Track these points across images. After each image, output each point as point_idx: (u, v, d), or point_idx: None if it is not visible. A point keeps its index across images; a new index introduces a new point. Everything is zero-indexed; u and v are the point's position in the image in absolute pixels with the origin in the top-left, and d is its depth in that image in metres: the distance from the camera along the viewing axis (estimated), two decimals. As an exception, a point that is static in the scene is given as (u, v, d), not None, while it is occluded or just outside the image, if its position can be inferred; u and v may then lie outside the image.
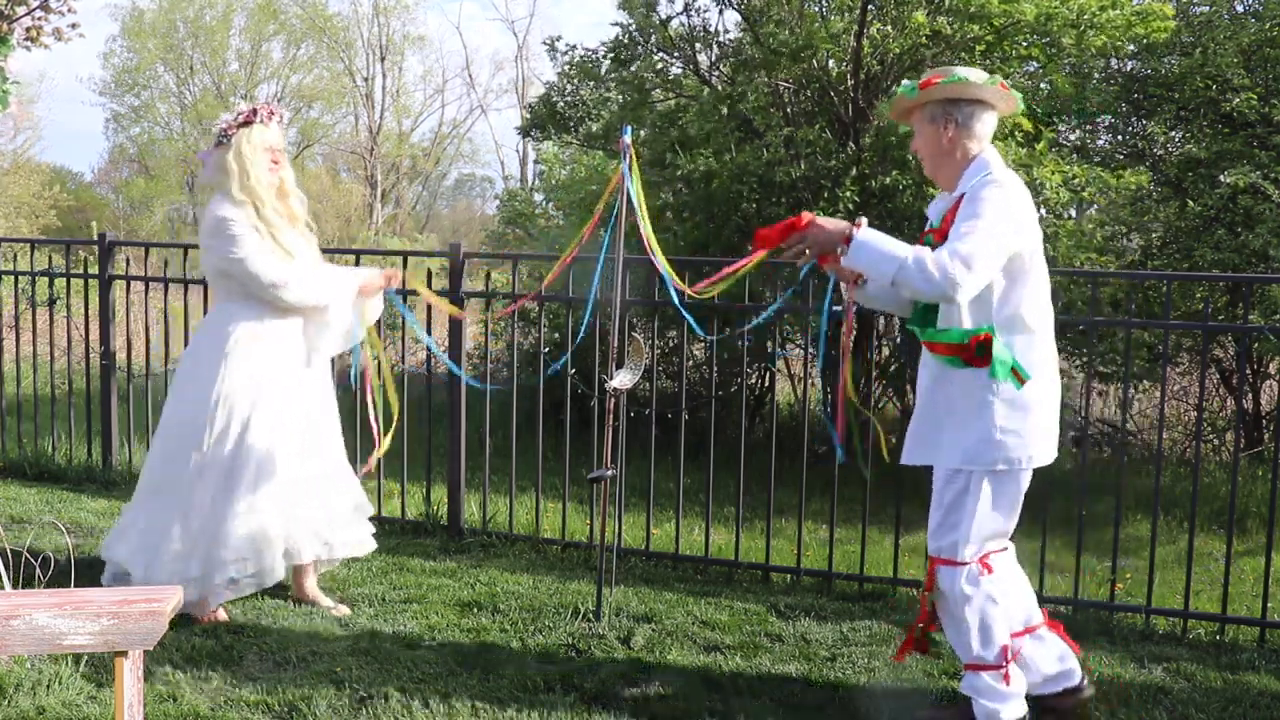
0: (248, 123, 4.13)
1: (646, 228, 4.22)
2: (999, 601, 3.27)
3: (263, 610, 4.31)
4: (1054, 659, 3.40)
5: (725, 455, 5.12)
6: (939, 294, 3.05)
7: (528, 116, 11.65)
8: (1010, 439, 3.19)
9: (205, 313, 6.22)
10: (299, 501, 4.21)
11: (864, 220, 3.21)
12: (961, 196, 3.19)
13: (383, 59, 36.09)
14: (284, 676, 3.68)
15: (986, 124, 3.28)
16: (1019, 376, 3.17)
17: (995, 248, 3.05)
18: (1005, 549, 3.36)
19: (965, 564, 3.25)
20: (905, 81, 3.37)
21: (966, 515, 3.23)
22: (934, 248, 3.12)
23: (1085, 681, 3.44)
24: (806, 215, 3.24)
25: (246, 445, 4.12)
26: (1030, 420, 3.20)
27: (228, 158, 4.11)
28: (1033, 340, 3.22)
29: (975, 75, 3.25)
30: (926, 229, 3.39)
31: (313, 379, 4.35)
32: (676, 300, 4.34)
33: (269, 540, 4.14)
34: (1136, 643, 4.28)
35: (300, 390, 4.27)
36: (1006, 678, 3.26)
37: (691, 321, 4.51)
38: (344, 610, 4.35)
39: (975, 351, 3.18)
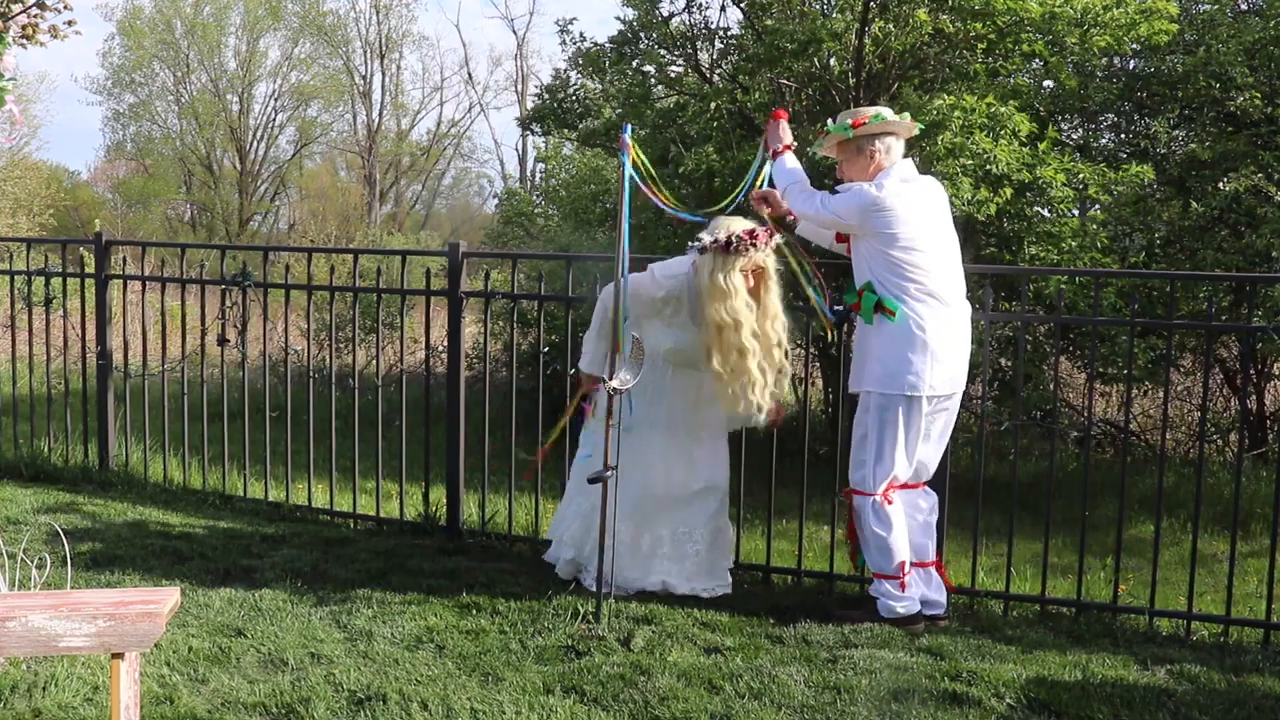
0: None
1: (663, 192, 4.48)
2: (896, 526, 4.27)
3: (260, 611, 4.29)
4: (934, 590, 4.43)
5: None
6: (805, 213, 4.41)
7: (530, 109, 11.64)
8: (901, 371, 4.17)
9: (202, 312, 6.21)
10: None
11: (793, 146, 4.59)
12: None
13: (381, 56, 36.06)
14: (282, 679, 3.65)
15: (895, 149, 4.35)
16: (886, 310, 4.14)
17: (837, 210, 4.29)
18: (901, 486, 4.33)
19: (871, 495, 4.25)
20: (834, 122, 4.44)
21: (870, 453, 4.24)
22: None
23: (948, 613, 4.47)
24: (781, 113, 4.64)
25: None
26: (917, 358, 4.16)
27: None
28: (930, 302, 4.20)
29: (889, 114, 4.35)
30: None
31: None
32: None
33: None
34: (1140, 644, 4.26)
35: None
36: (902, 585, 4.30)
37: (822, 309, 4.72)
38: None
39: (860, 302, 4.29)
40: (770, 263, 4.35)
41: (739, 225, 4.36)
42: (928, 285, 4.18)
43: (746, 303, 4.30)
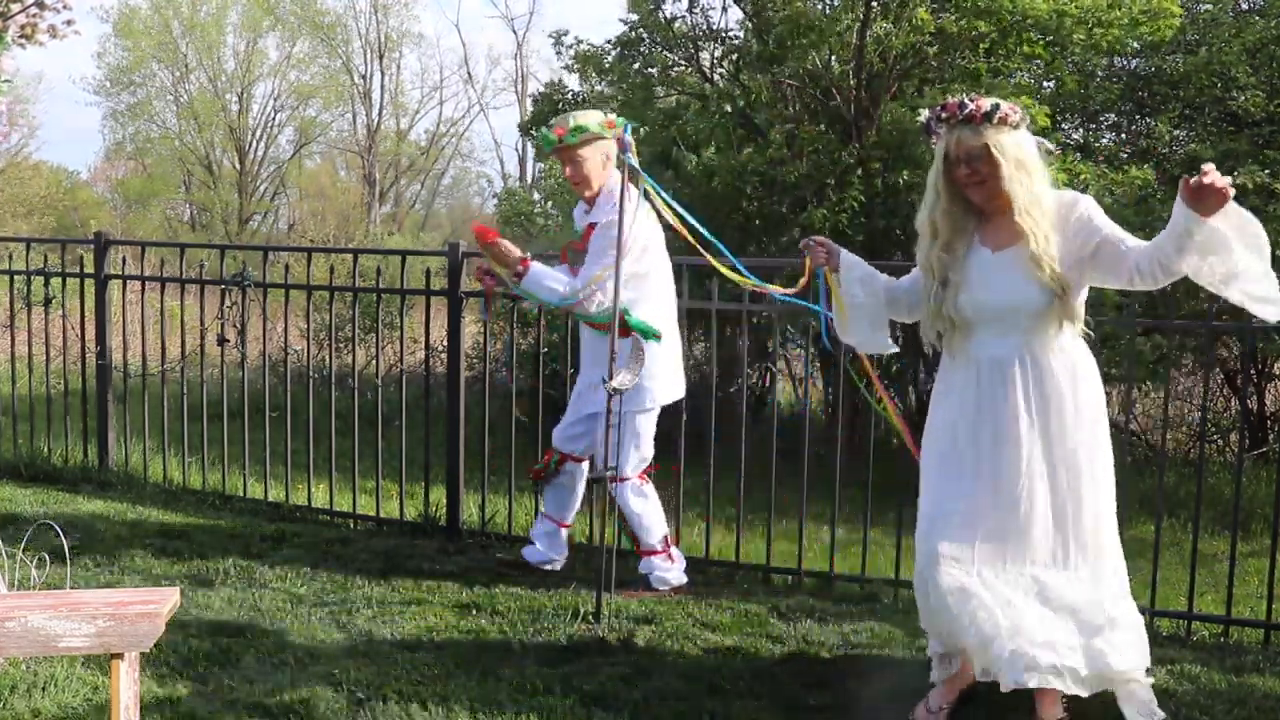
0: None
1: (669, 212, 4.42)
2: (654, 505, 4.60)
3: (260, 611, 4.28)
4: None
5: (726, 456, 5.10)
6: (586, 317, 4.46)
7: (530, 111, 11.67)
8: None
9: (202, 312, 6.21)
10: None
11: (531, 258, 4.41)
12: (594, 225, 4.42)
13: (381, 56, 36.05)
14: (281, 678, 3.65)
15: (615, 157, 4.40)
16: (651, 334, 4.35)
17: (611, 273, 4.23)
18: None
19: (628, 479, 4.52)
20: (584, 122, 4.32)
21: (626, 446, 4.48)
22: (574, 258, 4.52)
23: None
24: (493, 234, 4.43)
25: None
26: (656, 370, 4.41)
27: None
28: (655, 312, 4.43)
29: (616, 120, 4.39)
30: (571, 242, 4.65)
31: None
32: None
33: None
34: (1141, 645, 4.24)
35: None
36: (670, 557, 4.65)
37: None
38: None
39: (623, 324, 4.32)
40: (997, 140, 3.14)
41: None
42: (653, 294, 4.46)
43: (930, 198, 3.30)
